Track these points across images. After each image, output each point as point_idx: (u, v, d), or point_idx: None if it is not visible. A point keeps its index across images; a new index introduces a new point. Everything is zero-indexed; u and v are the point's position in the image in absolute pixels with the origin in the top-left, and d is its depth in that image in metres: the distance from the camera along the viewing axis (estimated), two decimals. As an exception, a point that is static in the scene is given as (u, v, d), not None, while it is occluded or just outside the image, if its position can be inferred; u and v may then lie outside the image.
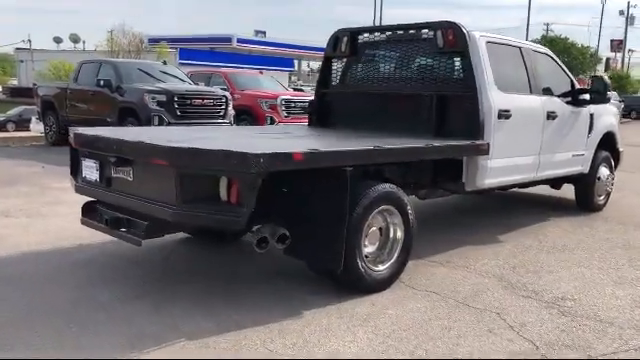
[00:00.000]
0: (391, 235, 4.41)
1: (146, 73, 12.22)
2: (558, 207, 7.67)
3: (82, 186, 4.47)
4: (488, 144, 5.17)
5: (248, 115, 13.48)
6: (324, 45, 6.54)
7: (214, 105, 11.66)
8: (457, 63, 5.53)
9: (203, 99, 11.47)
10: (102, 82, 11.48)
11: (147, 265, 4.74)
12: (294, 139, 5.14)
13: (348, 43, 6.26)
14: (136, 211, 3.95)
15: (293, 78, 45.72)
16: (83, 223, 4.41)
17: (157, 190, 3.78)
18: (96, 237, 4.92)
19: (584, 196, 7.38)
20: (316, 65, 74.11)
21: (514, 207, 7.66)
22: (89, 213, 4.39)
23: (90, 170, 4.35)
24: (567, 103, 6.53)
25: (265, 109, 13.39)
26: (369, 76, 6.30)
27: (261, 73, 15.79)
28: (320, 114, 6.63)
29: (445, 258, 5.18)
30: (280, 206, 3.99)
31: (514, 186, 6.53)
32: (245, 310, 3.83)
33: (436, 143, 4.72)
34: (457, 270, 4.87)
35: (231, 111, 12.07)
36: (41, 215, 6.37)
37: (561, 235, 6.18)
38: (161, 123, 10.74)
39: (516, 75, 5.97)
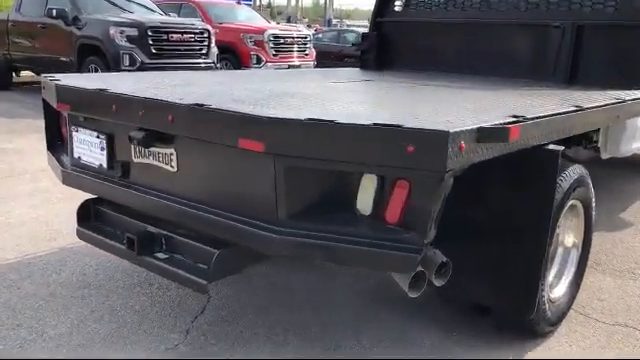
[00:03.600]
0: (563, 243, 2.87)
1: (107, 1, 9.98)
2: (622, 171, 6.32)
3: (75, 174, 2.65)
4: (663, 97, 3.63)
5: (229, 53, 11.46)
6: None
7: (195, 41, 9.62)
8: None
9: (182, 33, 9.41)
10: (54, 12, 9.27)
11: (174, 295, 3.04)
12: (402, 96, 3.31)
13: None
14: (185, 226, 2.24)
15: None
16: (82, 238, 2.61)
17: (233, 193, 2.07)
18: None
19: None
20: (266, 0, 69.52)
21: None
22: (91, 221, 2.61)
23: (90, 148, 2.55)
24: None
25: (250, 46, 11.40)
26: (452, -1, 4.59)
27: (239, 4, 13.65)
28: (378, 52, 4.90)
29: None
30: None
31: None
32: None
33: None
34: (625, 280, 3.40)
35: (214, 49, 10.08)
36: (-6, 196, 4.51)
37: (692, 212, 4.81)
38: (133, 64, 8.71)
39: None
